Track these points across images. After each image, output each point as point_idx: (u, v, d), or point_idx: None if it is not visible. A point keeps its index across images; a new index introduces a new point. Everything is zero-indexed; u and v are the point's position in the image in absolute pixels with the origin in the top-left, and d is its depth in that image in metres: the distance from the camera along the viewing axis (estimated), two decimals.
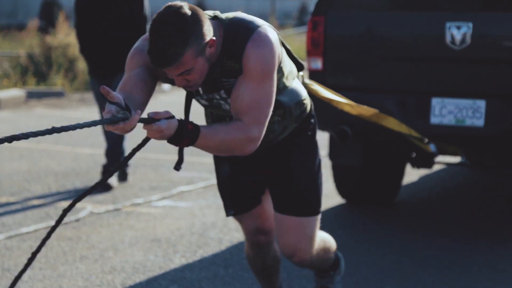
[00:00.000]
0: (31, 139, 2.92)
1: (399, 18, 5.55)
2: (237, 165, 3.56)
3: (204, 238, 5.49)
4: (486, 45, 5.27)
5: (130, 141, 6.68)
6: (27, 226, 5.66)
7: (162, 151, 8.16)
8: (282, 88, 3.34)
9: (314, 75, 5.69)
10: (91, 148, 8.49)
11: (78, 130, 2.78)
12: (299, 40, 20.90)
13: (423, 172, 7.53)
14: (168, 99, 12.46)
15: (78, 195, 3.15)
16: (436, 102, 5.37)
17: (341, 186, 6.28)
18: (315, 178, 3.55)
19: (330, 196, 6.49)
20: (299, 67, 3.56)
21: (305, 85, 3.77)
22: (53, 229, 3.21)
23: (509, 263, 5.04)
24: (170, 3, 2.99)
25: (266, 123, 3.16)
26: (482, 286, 4.65)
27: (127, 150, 6.87)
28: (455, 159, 6.53)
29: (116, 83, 6.46)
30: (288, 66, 3.37)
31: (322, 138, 7.26)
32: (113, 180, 6.75)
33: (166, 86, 13.46)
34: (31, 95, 12.20)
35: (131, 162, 7.49)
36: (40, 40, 13.57)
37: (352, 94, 5.58)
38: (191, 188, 6.86)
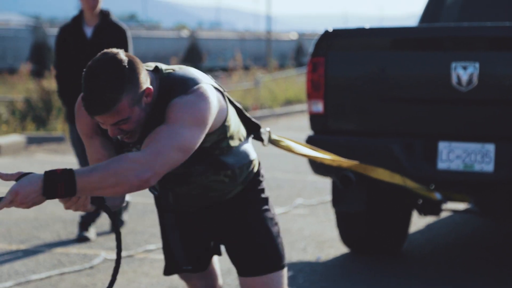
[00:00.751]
0: None
1: (403, 58, 5.33)
2: (188, 228, 3.38)
3: None
4: (494, 85, 5.05)
5: None
6: (39, 273, 5.58)
7: None
8: (226, 148, 3.15)
9: (315, 119, 5.51)
10: None
11: None
12: (300, 82, 20.74)
13: (430, 219, 7.31)
14: None
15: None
16: (443, 146, 5.14)
17: (345, 234, 6.05)
18: (273, 231, 3.34)
19: (334, 245, 6.30)
20: (255, 127, 3.39)
21: (274, 142, 3.60)
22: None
23: None
24: (106, 50, 2.86)
25: (168, 163, 2.82)
26: None
27: None
28: (464, 206, 6.31)
29: None
30: (235, 126, 3.18)
31: (325, 183, 7.06)
32: (91, 233, 6.55)
33: None
34: (31, 141, 12.11)
35: (140, 208, 7.28)
36: (37, 84, 13.47)
37: (356, 138, 5.39)
38: None
